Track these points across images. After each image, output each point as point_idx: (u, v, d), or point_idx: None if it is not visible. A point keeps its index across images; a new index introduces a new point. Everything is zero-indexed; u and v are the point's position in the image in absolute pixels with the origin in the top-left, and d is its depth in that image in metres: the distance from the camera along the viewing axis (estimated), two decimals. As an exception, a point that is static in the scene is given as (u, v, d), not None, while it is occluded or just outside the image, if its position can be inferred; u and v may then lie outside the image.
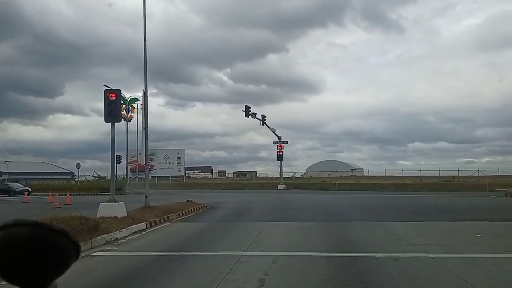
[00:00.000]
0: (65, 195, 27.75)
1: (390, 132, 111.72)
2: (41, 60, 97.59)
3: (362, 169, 74.33)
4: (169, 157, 60.35)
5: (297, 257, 7.30)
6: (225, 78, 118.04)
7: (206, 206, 18.73)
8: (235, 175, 77.58)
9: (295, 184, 46.90)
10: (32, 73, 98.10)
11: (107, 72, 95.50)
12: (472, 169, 53.50)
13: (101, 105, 12.88)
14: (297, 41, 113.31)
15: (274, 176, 53.41)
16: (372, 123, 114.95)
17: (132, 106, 47.72)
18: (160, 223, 12.64)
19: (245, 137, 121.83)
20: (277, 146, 44.69)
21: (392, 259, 6.93)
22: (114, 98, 12.56)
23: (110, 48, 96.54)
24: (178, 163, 60.54)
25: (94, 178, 48.65)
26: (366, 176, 63.87)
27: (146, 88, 16.36)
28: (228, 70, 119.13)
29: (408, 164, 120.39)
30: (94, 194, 34.00)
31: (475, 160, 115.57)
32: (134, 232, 10.61)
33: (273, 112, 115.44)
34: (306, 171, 72.06)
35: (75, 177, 56.79)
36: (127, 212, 12.48)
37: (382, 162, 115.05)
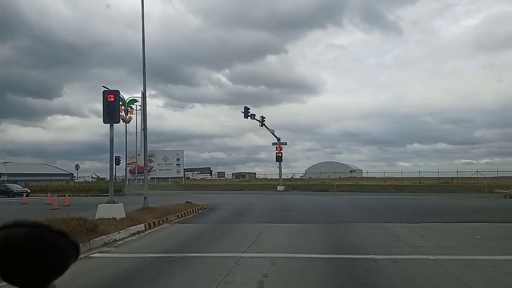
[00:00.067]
0: (64, 196, 27.74)
1: (389, 133, 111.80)
2: (39, 61, 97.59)
3: (361, 170, 74.52)
4: (168, 158, 60.29)
5: (296, 258, 7.30)
6: (224, 79, 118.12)
7: (205, 208, 18.73)
8: (234, 176, 77.51)
9: (294, 185, 46.91)
10: (30, 74, 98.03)
11: (105, 73, 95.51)
12: (471, 170, 53.61)
13: (99, 106, 12.91)
14: (296, 42, 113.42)
15: (273, 178, 53.44)
16: (371, 124, 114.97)
17: (131, 107, 47.62)
18: (159, 224, 12.62)
19: (244, 138, 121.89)
20: (276, 147, 44.65)
21: (391, 261, 6.93)
22: (112, 99, 12.56)
23: (108, 49, 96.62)
24: (177, 164, 60.47)
25: (93, 179, 48.71)
26: (365, 177, 64.00)
27: (144, 89, 16.38)
28: (227, 71, 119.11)
29: (407, 166, 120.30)
30: (93, 195, 33.96)
31: (474, 162, 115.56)
32: (132, 234, 10.59)
33: (272, 113, 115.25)
34: (305, 173, 71.98)
35: (74, 178, 56.67)
36: (126, 213, 12.46)
37: (381, 163, 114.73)
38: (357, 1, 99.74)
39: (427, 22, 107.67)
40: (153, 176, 53.14)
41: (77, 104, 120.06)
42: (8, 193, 34.39)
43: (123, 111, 43.03)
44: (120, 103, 17.90)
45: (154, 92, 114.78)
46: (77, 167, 47.39)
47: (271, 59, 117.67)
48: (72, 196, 31.08)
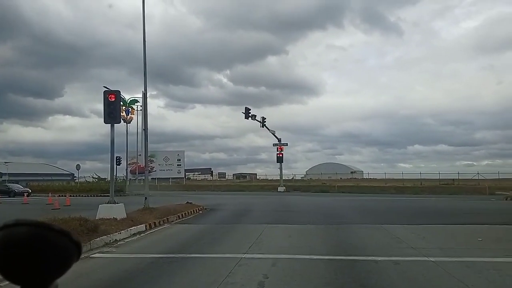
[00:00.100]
0: (65, 196, 27.78)
1: (389, 134, 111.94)
2: (40, 61, 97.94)
3: (362, 171, 74.50)
4: (169, 159, 60.35)
5: (297, 260, 7.28)
6: (225, 80, 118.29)
7: (206, 208, 18.72)
8: (235, 177, 77.46)
9: (295, 186, 46.88)
10: (31, 74, 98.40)
11: (106, 74, 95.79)
12: (472, 172, 53.48)
13: (100, 107, 12.89)
14: (296, 43, 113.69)
15: (274, 178, 53.37)
16: (372, 126, 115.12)
17: (132, 108, 47.78)
18: (160, 225, 12.61)
19: (245, 139, 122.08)
20: (277, 148, 44.69)
21: (392, 263, 6.91)
22: (113, 100, 12.57)
23: (109, 50, 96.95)
24: (178, 165, 60.54)
25: (94, 180, 48.74)
26: (366, 178, 63.92)
27: (145, 89, 16.37)
28: (228, 72, 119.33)
29: (408, 167, 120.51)
30: (94, 196, 34.00)
31: (474, 163, 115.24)
32: (133, 234, 10.59)
33: (273, 114, 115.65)
34: (306, 174, 71.97)
35: (75, 178, 56.75)
36: (126, 213, 12.47)
37: (382, 164, 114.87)
38: (358, 2, 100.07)
39: (428, 24, 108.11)
40: (154, 177, 53.20)
41: (77, 104, 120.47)
42: (9, 193, 34.46)
43: (124, 112, 43.18)
44: (121, 103, 17.92)
45: (155, 93, 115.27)
46: (78, 167, 47.50)
47: (272, 60, 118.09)
48: (73, 196, 31.12)
